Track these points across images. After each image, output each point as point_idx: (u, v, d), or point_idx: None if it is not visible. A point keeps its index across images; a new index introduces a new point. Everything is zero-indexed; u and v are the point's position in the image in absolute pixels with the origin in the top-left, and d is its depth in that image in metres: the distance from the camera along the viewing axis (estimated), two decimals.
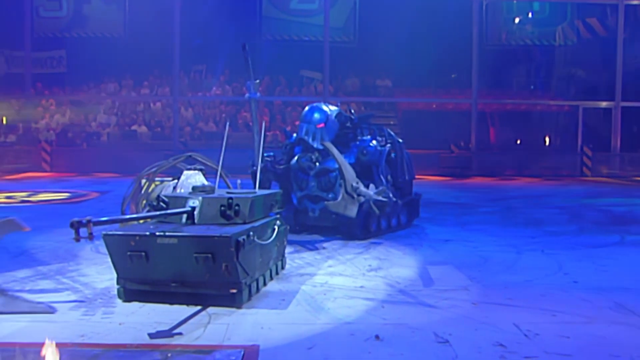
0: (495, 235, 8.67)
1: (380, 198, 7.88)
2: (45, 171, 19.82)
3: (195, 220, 5.35)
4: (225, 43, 21.13)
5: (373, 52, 21.79)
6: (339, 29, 23.01)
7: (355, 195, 7.62)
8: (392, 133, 9.15)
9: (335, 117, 8.68)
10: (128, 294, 5.14)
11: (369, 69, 23.05)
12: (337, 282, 5.93)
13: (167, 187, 7.47)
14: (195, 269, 4.91)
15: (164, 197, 5.52)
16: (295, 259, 6.90)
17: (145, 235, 4.93)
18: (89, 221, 4.28)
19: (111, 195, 13.19)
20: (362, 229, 8.21)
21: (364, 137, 8.69)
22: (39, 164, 20.21)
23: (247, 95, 8.29)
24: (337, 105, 9.08)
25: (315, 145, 8.47)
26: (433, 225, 9.46)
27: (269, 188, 8.55)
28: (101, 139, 21.77)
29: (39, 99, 23.25)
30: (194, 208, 5.38)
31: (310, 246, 7.73)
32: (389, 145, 8.79)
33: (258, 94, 8.33)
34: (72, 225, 4.25)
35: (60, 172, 19.40)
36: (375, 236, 8.35)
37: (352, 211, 7.63)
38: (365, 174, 8.40)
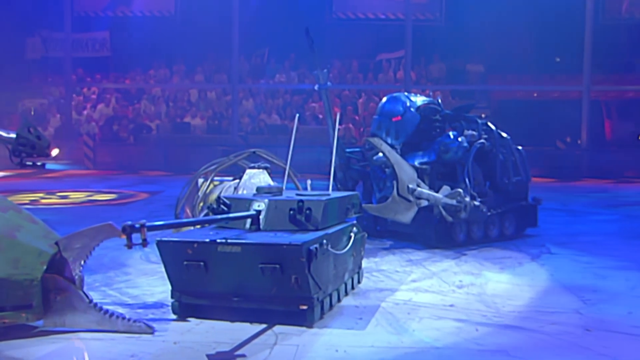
0: (613, 249, 8.43)
1: (450, 202, 7.83)
2: (88, 168, 20.46)
3: (261, 226, 5.43)
4: (291, 23, 21.33)
5: (462, 32, 21.53)
6: (422, 5, 22.85)
7: (412, 199, 7.62)
8: (492, 127, 9.10)
9: (417, 109, 8.74)
10: (184, 309, 5.26)
11: (457, 52, 22.80)
12: (422, 299, 5.91)
13: (227, 188, 7.62)
14: (261, 281, 4.98)
15: (225, 199, 5.62)
16: (373, 272, 6.92)
17: (205, 243, 5.03)
18: (142, 226, 4.40)
19: (162, 196, 13.55)
20: (441, 237, 8.25)
21: (449, 132, 8.68)
22: (80, 160, 20.89)
23: (316, 85, 8.50)
24: (428, 95, 9.11)
25: (389, 141, 8.57)
26: (536, 235, 9.29)
27: (353, 188, 8.70)
28: (150, 132, 22.34)
29: (80, 86, 24.05)
30: (259, 212, 5.46)
31: (391, 256, 7.74)
32: (481, 141, 8.73)
33: (329, 83, 8.51)
34: (124, 230, 4.38)
35: (104, 169, 20.01)
36: (463, 246, 8.33)
37: (406, 216, 7.70)
38: (450, 174, 8.46)
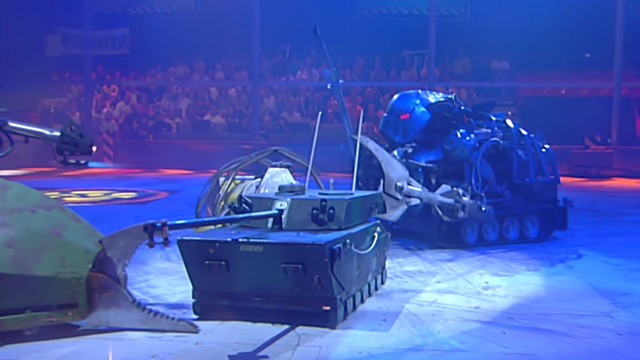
0: None
1: (448, 201, 7.83)
2: (107, 166, 20.63)
3: (283, 225, 5.45)
4: (312, 19, 21.31)
5: (488, 27, 21.42)
6: (447, 0, 22.78)
7: (399, 197, 7.63)
8: (510, 125, 8.99)
9: (428, 106, 8.79)
10: (205, 309, 5.28)
11: (482, 48, 22.69)
12: (447, 300, 5.90)
13: (249, 187, 7.65)
14: (283, 281, 5.00)
15: (246, 198, 5.65)
16: (396, 272, 6.92)
17: (227, 242, 5.05)
18: (164, 224, 4.43)
19: (182, 195, 13.62)
20: (446, 237, 8.31)
21: (457, 130, 8.60)
22: (100, 158, 21.06)
23: (328, 84, 8.55)
24: (448, 92, 9.12)
25: (397, 139, 8.75)
26: (564, 236, 9.23)
27: (375, 187, 8.70)
28: (170, 130, 22.47)
29: (99, 84, 24.23)
30: (281, 211, 5.48)
31: (415, 257, 7.75)
32: (494, 139, 8.67)
33: (341, 81, 8.57)
34: (145, 229, 4.42)
35: (123, 167, 20.18)
36: (474, 247, 8.36)
37: (392, 215, 7.71)
38: (460, 173, 8.48)
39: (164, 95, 23.63)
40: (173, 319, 4.94)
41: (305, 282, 4.97)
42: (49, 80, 23.83)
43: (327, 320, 5.06)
